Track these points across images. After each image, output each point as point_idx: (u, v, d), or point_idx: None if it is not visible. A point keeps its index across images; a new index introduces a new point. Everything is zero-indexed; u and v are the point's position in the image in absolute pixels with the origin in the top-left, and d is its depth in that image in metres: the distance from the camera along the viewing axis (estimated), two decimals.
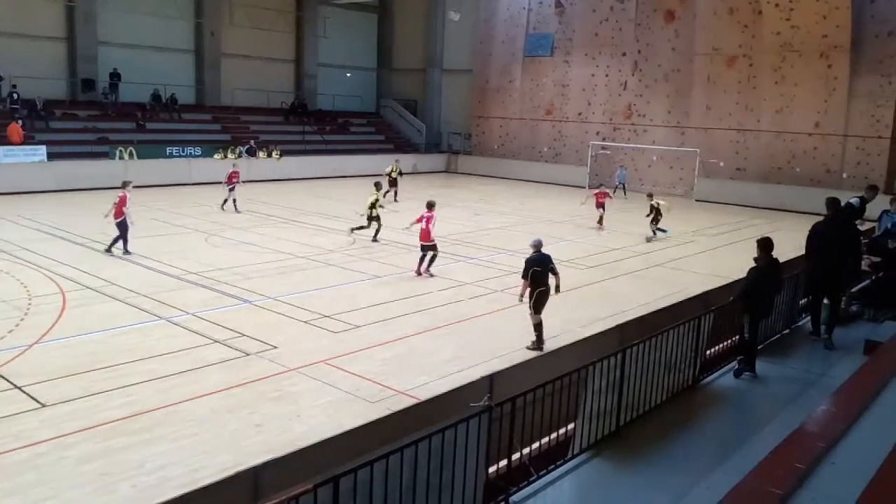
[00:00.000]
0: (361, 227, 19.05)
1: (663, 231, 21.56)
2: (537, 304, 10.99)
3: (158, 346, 10.66)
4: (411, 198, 29.59)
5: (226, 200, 23.95)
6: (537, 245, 11.25)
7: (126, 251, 16.62)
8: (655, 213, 21.36)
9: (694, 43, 32.64)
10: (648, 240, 21.35)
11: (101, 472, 7.02)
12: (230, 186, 23.78)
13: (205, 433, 7.96)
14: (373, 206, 18.80)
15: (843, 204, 10.81)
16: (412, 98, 45.58)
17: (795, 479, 4.74)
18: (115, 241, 16.66)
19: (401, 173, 28.52)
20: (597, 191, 23.82)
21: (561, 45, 37.68)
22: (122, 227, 16.54)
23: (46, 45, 31.59)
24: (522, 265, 11.13)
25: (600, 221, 23.40)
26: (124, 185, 17.08)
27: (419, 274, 15.64)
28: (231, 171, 24.30)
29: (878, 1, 28.02)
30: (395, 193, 27.06)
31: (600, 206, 23.35)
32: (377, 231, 19.10)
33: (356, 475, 4.30)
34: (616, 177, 33.20)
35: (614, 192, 32.58)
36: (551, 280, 11.10)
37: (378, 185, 19.65)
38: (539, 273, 10.92)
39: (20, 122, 27.77)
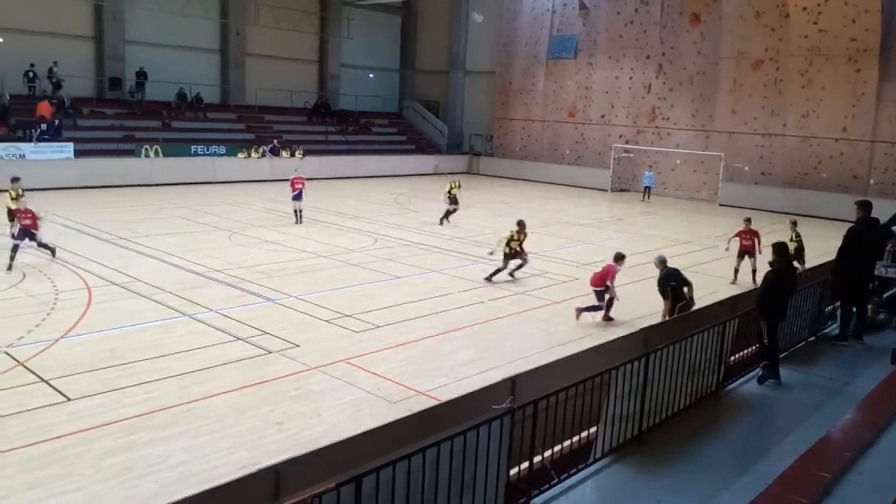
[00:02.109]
0: (497, 271, 15.73)
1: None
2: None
3: (182, 343, 10.75)
4: (434, 198, 29.69)
5: (296, 211, 21.73)
6: (663, 260, 11.34)
7: (11, 259, 14.56)
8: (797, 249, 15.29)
9: (719, 46, 32.34)
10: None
11: (125, 467, 7.08)
12: (294, 194, 21.42)
13: (226, 430, 8.00)
14: (509, 242, 15.54)
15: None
16: (434, 99, 45.62)
17: (821, 489, 4.68)
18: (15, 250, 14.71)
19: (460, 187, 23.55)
20: (741, 229, 16.45)
21: (585, 48, 37.52)
22: (25, 234, 14.73)
23: (75, 44, 32.05)
24: (656, 285, 11.31)
25: (736, 273, 16.37)
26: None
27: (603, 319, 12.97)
28: (293, 177, 21.85)
29: None
30: (450, 214, 22.75)
31: (745, 251, 16.17)
32: (517, 267, 15.87)
33: (378, 475, 4.30)
34: (643, 178, 32.99)
35: (644, 196, 32.39)
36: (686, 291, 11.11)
37: (521, 224, 15.86)
38: (676, 287, 10.97)
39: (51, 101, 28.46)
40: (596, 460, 6.34)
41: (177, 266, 15.62)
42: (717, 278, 16.80)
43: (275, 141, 34.48)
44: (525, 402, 5.53)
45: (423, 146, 42.86)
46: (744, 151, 32.09)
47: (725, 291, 13.81)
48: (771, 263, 8.87)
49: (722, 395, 8.25)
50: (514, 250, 15.56)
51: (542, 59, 39.13)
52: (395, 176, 36.83)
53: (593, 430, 6.55)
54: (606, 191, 35.28)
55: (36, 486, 6.70)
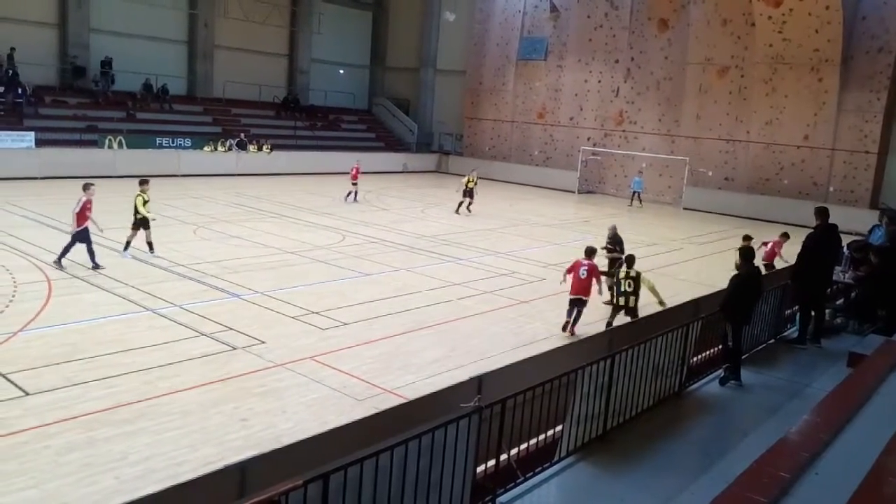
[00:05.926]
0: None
1: None
2: None
3: (144, 338, 10.59)
4: (403, 196, 29.68)
5: (350, 193, 26.32)
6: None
7: (96, 264, 14.31)
8: None
9: (687, 52, 32.83)
10: None
11: (84, 463, 6.96)
12: (355, 181, 26.23)
13: (189, 426, 7.91)
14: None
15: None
16: (405, 97, 45.53)
17: (780, 488, 4.76)
18: (66, 251, 14.26)
19: (476, 183, 25.93)
20: (776, 238, 15.95)
21: (555, 50, 37.78)
22: (86, 236, 14.34)
23: (38, 31, 31.28)
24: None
25: None
26: (86, 187, 14.63)
27: (568, 332, 12.09)
28: (355, 165, 27.01)
29: (868, 18, 28.33)
30: (469, 205, 25.41)
31: (771, 258, 15.61)
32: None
33: (346, 472, 4.29)
34: (632, 184, 33.11)
35: (631, 201, 32.55)
36: None
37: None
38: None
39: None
40: (561, 459, 6.41)
41: (139, 259, 15.37)
42: (680, 281, 17.08)
43: (241, 134, 34.11)
44: (492, 401, 5.57)
45: (393, 144, 42.76)
46: (708, 156, 32.63)
47: (687, 294, 14.01)
48: (737, 268, 9.03)
49: (684, 395, 8.39)
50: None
51: (512, 59, 39.31)
52: (363, 173, 36.54)
53: (558, 429, 6.61)
54: (574, 192, 35.57)
55: None
